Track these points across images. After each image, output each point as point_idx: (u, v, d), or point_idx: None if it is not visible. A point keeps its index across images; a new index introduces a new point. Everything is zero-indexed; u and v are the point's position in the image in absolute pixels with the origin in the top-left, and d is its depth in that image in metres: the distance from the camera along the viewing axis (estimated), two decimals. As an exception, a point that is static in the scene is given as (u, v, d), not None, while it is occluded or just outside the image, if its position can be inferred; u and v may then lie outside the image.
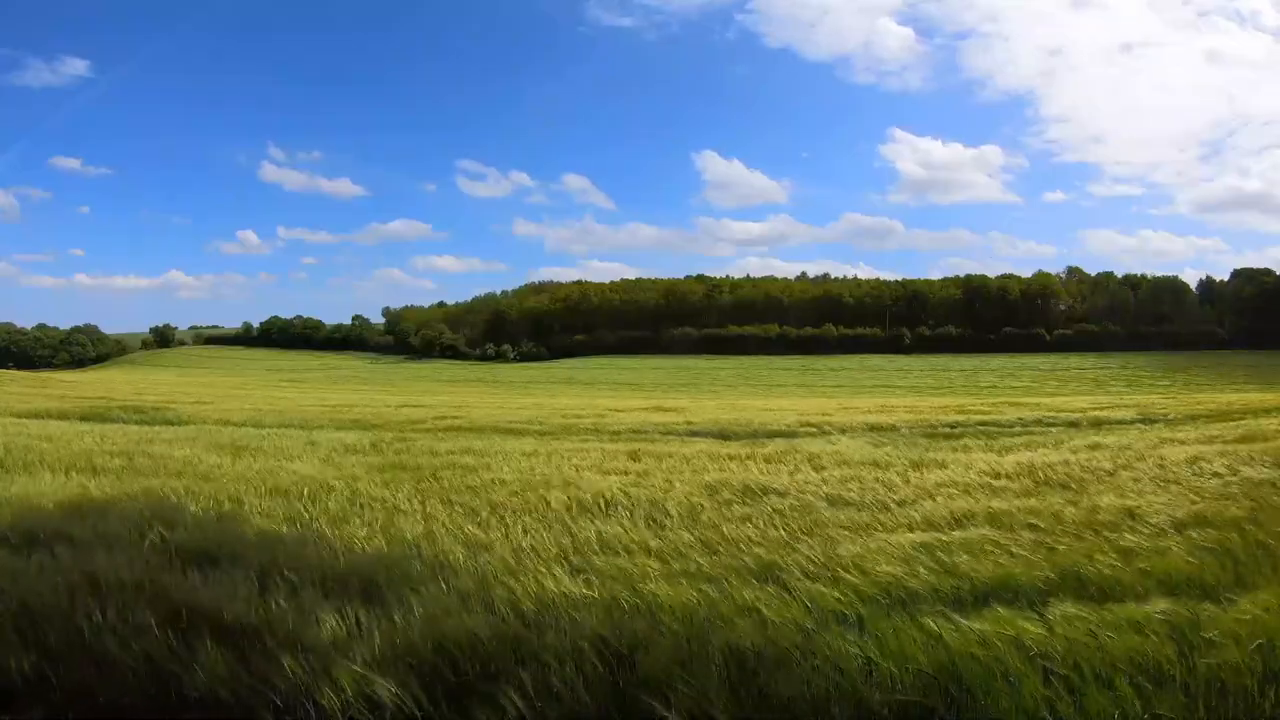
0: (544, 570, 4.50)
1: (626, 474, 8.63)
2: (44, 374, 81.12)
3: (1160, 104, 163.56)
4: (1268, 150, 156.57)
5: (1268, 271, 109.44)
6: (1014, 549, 4.86)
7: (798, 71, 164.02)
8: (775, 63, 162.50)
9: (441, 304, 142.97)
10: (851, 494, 7.06)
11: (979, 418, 18.67)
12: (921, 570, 4.45)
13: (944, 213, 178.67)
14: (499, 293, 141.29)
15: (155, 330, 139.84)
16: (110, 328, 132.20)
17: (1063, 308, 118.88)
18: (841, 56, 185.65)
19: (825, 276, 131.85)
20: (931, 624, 3.40)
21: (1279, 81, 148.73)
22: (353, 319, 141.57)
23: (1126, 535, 5.15)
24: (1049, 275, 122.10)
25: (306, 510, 6.43)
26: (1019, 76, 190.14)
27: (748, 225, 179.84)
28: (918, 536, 5.31)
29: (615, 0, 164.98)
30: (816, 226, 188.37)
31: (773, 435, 15.06)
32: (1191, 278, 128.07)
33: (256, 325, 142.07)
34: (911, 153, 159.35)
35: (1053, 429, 16.31)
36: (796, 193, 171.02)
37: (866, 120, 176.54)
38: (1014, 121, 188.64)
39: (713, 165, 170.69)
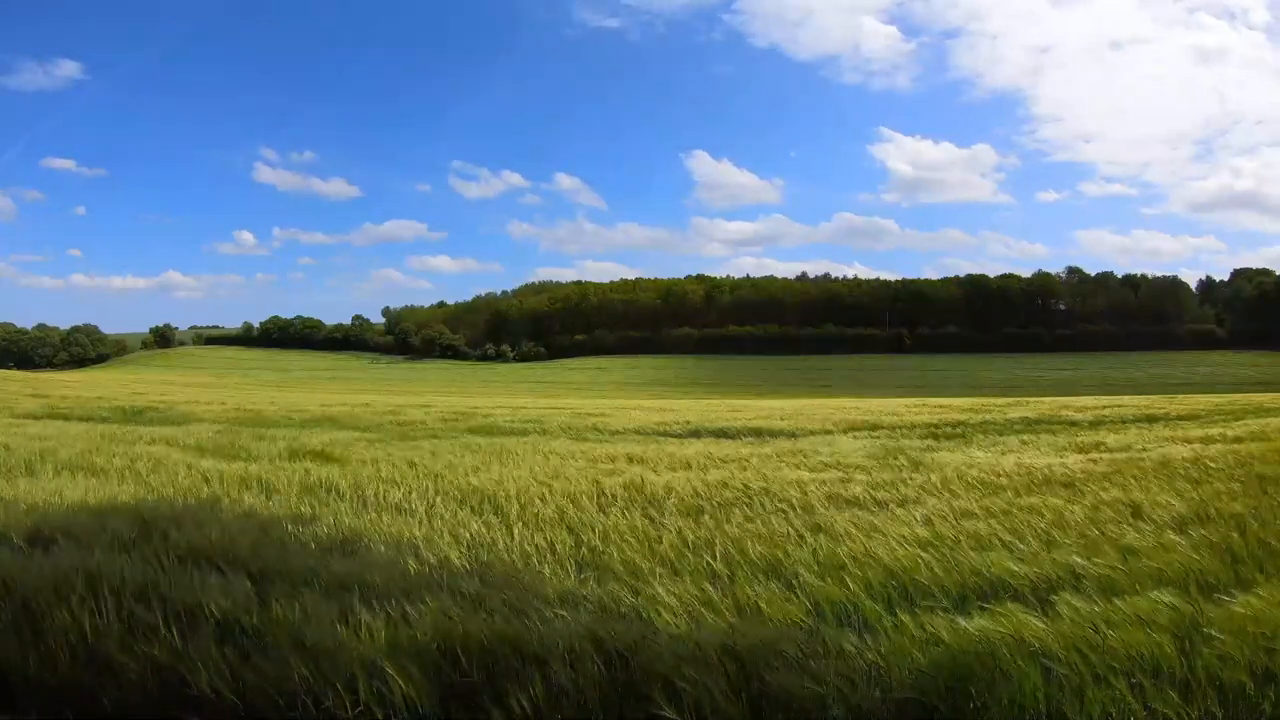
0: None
1: (627, 472, 8.63)
2: (45, 374, 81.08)
3: (1151, 102, 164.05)
4: (1260, 149, 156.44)
5: (1267, 271, 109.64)
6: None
7: (785, 71, 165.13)
8: (762, 63, 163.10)
9: (441, 304, 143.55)
10: (854, 493, 7.09)
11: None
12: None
13: (937, 212, 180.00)
14: (499, 293, 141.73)
15: (155, 330, 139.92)
16: (109, 328, 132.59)
17: (1062, 307, 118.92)
18: (828, 56, 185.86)
19: (825, 276, 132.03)
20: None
21: (1270, 79, 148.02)
22: (353, 319, 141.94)
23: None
24: (1049, 275, 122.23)
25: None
26: (1008, 75, 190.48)
27: (741, 225, 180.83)
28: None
29: (602, 1, 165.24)
30: (809, 226, 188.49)
31: (773, 435, 15.05)
32: (1189, 277, 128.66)
33: (257, 325, 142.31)
34: (902, 152, 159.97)
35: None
36: (788, 192, 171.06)
37: (855, 120, 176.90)
38: (1005, 121, 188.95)
39: (702, 165, 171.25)
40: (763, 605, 3.91)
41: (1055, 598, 3.79)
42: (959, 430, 15.35)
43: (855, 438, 14.15)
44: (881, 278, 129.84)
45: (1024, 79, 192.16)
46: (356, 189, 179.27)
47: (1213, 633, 3.20)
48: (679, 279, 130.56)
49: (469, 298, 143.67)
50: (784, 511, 6.35)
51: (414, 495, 7.08)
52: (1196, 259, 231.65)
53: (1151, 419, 17.61)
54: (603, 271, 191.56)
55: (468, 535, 5.60)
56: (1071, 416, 17.83)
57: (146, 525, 5.47)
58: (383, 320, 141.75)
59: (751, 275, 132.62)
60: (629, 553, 5.07)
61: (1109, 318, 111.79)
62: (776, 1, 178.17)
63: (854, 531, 5.47)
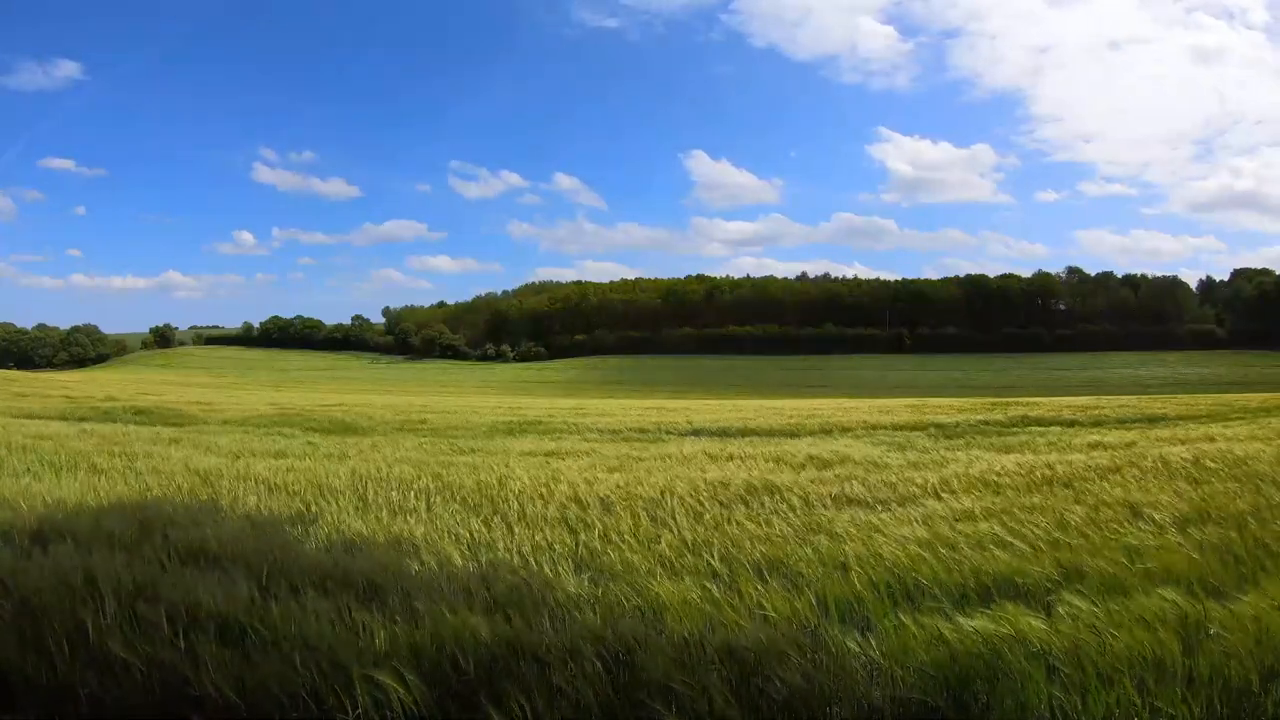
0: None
1: (625, 472, 8.64)
2: (45, 374, 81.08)
3: (1151, 102, 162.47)
4: (1260, 149, 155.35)
5: (1267, 271, 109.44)
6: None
7: (784, 71, 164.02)
8: (761, 63, 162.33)
9: (441, 304, 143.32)
10: (854, 493, 7.09)
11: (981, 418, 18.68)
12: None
13: (936, 212, 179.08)
14: (499, 293, 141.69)
15: (155, 330, 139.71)
16: (109, 328, 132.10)
17: (1062, 307, 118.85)
18: (827, 56, 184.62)
19: (825, 276, 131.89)
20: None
21: (1270, 79, 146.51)
22: (353, 319, 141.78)
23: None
24: (1049, 275, 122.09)
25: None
26: (1007, 75, 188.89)
27: (741, 225, 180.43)
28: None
29: (601, 1, 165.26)
30: (809, 226, 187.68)
31: (773, 435, 15.06)
32: (1189, 277, 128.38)
33: (257, 325, 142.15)
34: (901, 152, 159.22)
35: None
36: (788, 192, 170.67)
37: (855, 120, 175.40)
38: (1004, 121, 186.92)
39: (701, 165, 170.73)
40: (764, 605, 3.91)
41: (1057, 598, 3.79)
42: (959, 430, 15.35)
43: (855, 437, 14.16)
44: (881, 278, 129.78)
45: (1023, 79, 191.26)
46: (356, 189, 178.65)
47: (1216, 632, 3.21)
48: (679, 279, 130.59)
49: (469, 298, 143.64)
50: (784, 511, 6.35)
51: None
52: (1196, 259, 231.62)
53: (1151, 419, 17.61)
54: (603, 271, 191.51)
55: (468, 535, 5.61)
56: (1071, 416, 17.82)
57: (147, 524, 5.48)
58: (383, 320, 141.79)
59: (751, 275, 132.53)
60: (628, 553, 5.07)
61: (1109, 318, 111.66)
62: (775, 1, 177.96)
63: (854, 532, 5.48)
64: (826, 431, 15.59)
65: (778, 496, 6.90)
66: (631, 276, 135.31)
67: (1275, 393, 32.75)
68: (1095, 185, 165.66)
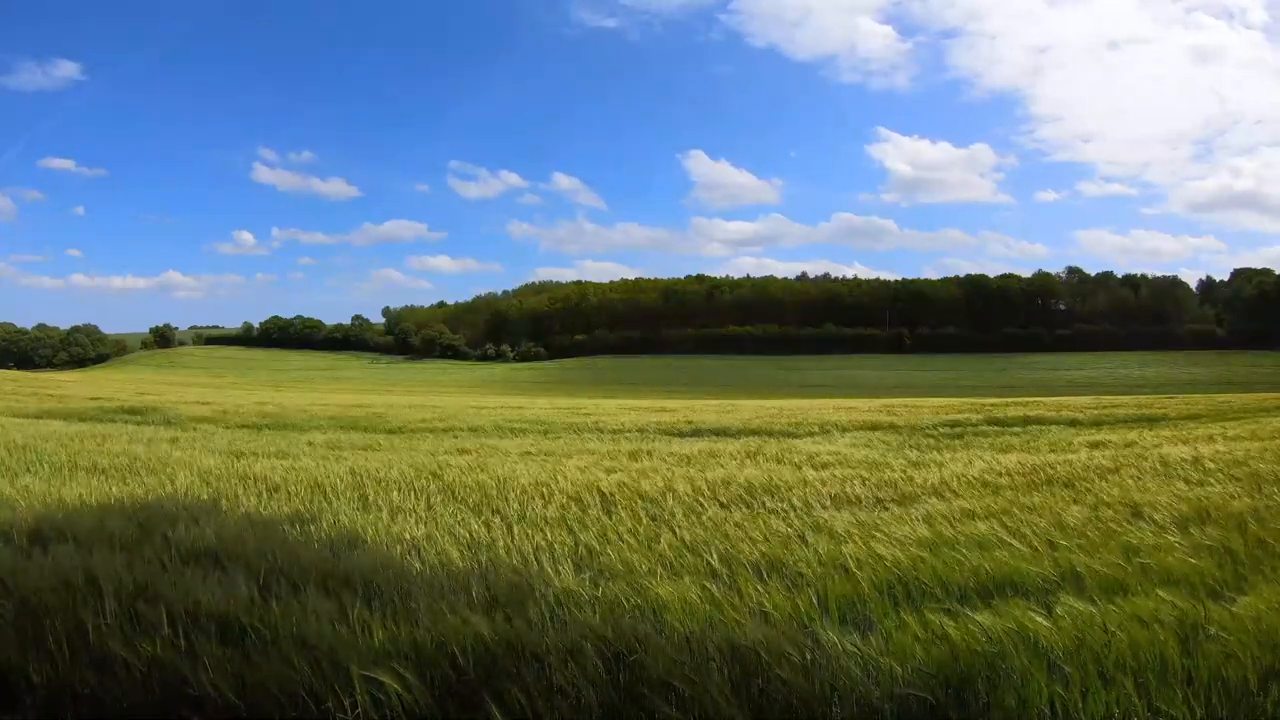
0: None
1: (625, 471, 8.64)
2: (45, 374, 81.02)
3: (1150, 102, 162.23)
4: (1260, 149, 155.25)
5: (1267, 271, 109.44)
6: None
7: (783, 71, 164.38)
8: (760, 63, 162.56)
9: (441, 304, 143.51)
10: (854, 492, 7.09)
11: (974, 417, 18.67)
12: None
13: (936, 212, 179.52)
14: (499, 293, 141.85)
15: (155, 330, 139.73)
16: (109, 328, 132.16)
17: (1062, 307, 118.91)
18: (826, 56, 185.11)
19: (825, 276, 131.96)
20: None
21: (1269, 79, 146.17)
22: (353, 319, 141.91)
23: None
24: (1049, 275, 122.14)
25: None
26: (1006, 75, 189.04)
27: (740, 225, 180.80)
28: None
29: (600, 1, 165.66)
30: (809, 226, 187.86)
31: (771, 435, 15.06)
32: (1189, 277, 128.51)
33: (257, 325, 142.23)
34: (900, 152, 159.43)
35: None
36: (787, 192, 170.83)
37: (854, 120, 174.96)
38: (1004, 121, 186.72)
39: (701, 166, 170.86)
40: (765, 604, 3.92)
41: (1058, 597, 3.80)
42: (959, 430, 15.35)
43: (854, 437, 14.16)
44: (881, 278, 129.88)
45: (1023, 79, 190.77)
46: (356, 189, 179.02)
47: (1215, 632, 3.21)
48: (679, 279, 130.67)
49: (469, 298, 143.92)
50: (784, 511, 6.35)
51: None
52: (1196, 259, 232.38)
53: (1151, 419, 17.63)
54: (603, 271, 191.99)
55: (467, 535, 5.60)
56: (1072, 416, 17.82)
57: (147, 524, 5.48)
58: (383, 320, 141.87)
59: (751, 275, 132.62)
60: (628, 552, 5.07)
61: (1109, 318, 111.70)
62: (774, 1, 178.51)
63: (854, 531, 5.48)
64: (826, 431, 15.58)
65: (778, 496, 6.91)
66: (631, 276, 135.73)
67: (1275, 393, 32.79)
68: (1095, 185, 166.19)
